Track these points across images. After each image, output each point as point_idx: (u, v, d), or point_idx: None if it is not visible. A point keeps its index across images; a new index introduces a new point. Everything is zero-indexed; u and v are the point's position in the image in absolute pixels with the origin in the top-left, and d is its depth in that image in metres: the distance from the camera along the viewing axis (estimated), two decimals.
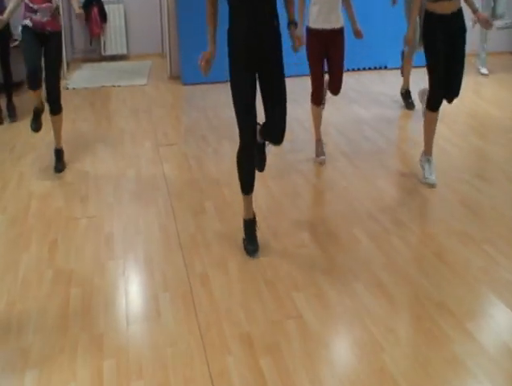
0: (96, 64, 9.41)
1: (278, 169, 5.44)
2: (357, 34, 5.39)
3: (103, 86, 8.30)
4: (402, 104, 7.05)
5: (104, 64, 9.47)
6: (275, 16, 3.85)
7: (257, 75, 3.87)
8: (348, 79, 8.12)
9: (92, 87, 8.25)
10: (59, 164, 5.55)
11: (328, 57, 5.32)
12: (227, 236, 4.32)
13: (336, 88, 5.47)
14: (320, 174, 5.49)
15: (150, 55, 9.75)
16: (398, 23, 6.43)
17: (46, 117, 5.52)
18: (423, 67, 5.00)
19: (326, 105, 5.71)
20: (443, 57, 4.77)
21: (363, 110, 7.02)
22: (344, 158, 5.67)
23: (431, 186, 5.02)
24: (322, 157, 5.58)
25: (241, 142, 3.92)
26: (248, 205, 4.18)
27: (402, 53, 6.96)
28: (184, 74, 8.21)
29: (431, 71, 4.85)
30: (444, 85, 4.84)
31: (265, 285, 3.73)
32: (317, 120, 5.62)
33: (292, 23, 4.00)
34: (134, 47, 9.83)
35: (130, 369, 3.07)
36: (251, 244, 4.13)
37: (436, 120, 5.02)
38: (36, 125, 5.51)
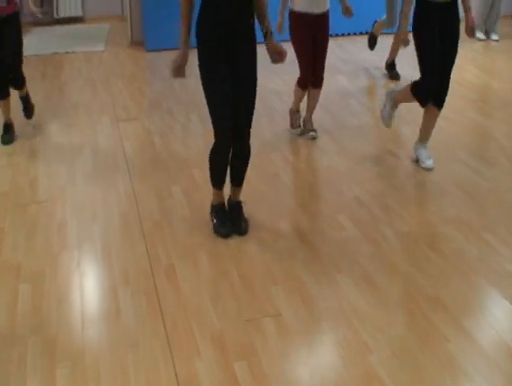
0: (47, 28, 9.29)
1: (253, 148, 5.36)
2: (347, 11, 5.47)
3: (55, 53, 8.20)
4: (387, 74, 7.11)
5: (56, 28, 9.36)
6: (252, 15, 3.87)
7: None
8: (331, 45, 8.09)
9: (43, 54, 8.14)
10: (8, 135, 5.57)
11: (312, 43, 5.37)
12: (196, 223, 4.30)
13: (319, 79, 5.53)
14: (300, 154, 5.47)
15: (108, 17, 9.66)
16: None
17: None
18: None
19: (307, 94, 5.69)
20: (437, 48, 4.76)
21: (349, 82, 7.02)
22: (327, 135, 5.66)
23: (429, 170, 5.03)
24: (298, 129, 5.65)
25: (216, 141, 3.98)
26: (218, 194, 4.25)
27: (375, 22, 7.06)
28: (148, 39, 8.13)
29: (422, 62, 4.82)
30: (436, 79, 4.82)
31: (239, 278, 3.72)
32: (299, 99, 5.70)
33: (269, 34, 3.96)
34: (90, 9, 9.74)
35: (86, 375, 3.04)
36: (222, 227, 4.17)
37: (427, 112, 5.00)
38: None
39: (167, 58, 7.61)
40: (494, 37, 8.55)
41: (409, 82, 5.01)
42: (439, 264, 3.85)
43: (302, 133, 5.66)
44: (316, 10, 5.29)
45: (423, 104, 4.94)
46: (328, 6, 5.36)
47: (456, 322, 3.34)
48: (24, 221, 4.36)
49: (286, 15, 5.38)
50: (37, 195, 4.70)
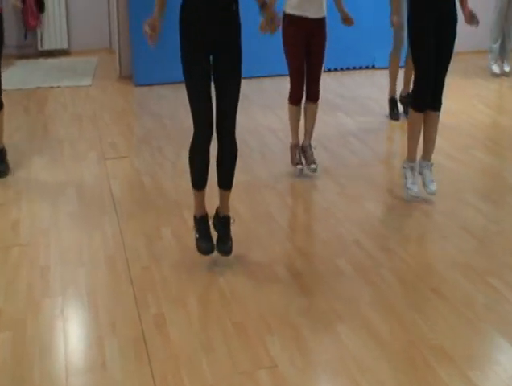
0: (31, 61, 9.35)
1: (247, 187, 5.44)
2: (347, 20, 5.47)
3: (39, 87, 8.24)
4: (387, 112, 7.12)
5: (41, 61, 9.42)
6: (235, 1, 4.00)
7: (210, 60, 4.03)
8: (330, 81, 8.28)
9: (26, 88, 8.18)
10: (2, 166, 5.62)
11: (307, 52, 5.38)
12: (187, 267, 4.30)
13: (314, 92, 5.53)
14: (297, 194, 5.50)
15: (95, 50, 9.72)
16: (386, 15, 6.55)
17: None
18: None
19: (303, 113, 5.73)
20: (432, 48, 4.84)
21: (348, 118, 7.08)
22: (326, 175, 5.69)
23: (414, 198, 5.07)
24: (300, 166, 5.64)
25: (195, 134, 4.08)
26: (200, 202, 4.30)
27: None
28: (137, 73, 8.20)
29: (418, 62, 4.93)
30: (432, 81, 4.91)
31: (232, 327, 3.71)
32: (295, 122, 5.66)
33: (264, 4, 4.06)
34: (76, 41, 9.80)
35: None
36: (204, 241, 4.24)
37: (421, 122, 5.07)
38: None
39: (157, 93, 7.79)
40: (507, 68, 8.41)
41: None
42: (444, 310, 3.85)
43: (301, 173, 5.65)
44: (311, 14, 5.29)
45: (420, 108, 4.98)
46: (324, 12, 5.36)
47: (461, 373, 3.33)
48: (5, 265, 4.35)
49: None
50: (19, 238, 4.70)
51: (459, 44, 4.98)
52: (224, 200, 4.36)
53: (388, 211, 5.14)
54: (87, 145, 6.37)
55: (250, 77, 7.97)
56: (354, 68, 8.79)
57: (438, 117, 5.08)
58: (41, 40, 9.63)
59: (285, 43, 5.40)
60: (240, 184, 5.37)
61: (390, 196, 5.34)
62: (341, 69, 8.70)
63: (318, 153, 5.88)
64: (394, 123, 6.95)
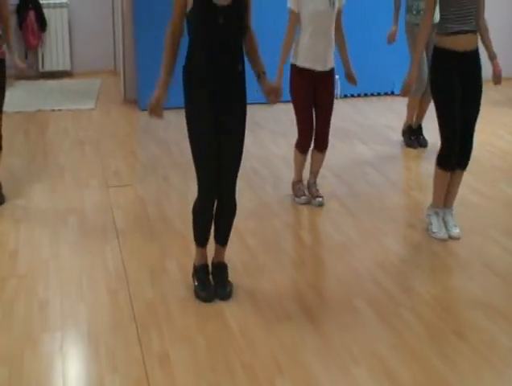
0: (31, 83, 9.43)
1: (257, 219, 5.46)
2: (351, 79, 5.65)
3: (40, 110, 8.32)
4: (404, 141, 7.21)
5: (41, 83, 9.50)
6: (241, 59, 4.11)
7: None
8: (346, 107, 8.33)
9: (26, 111, 8.26)
10: None
11: (315, 103, 5.54)
12: (194, 303, 4.31)
13: (323, 141, 5.68)
14: (310, 226, 5.52)
15: (99, 72, 9.80)
16: (405, 41, 6.68)
17: None
18: None
19: (310, 157, 5.80)
20: (459, 105, 4.86)
21: (365, 147, 7.11)
22: (341, 206, 5.71)
23: (442, 240, 5.09)
24: (304, 196, 5.72)
25: (199, 198, 4.22)
26: (201, 253, 4.44)
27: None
28: (142, 97, 8.23)
29: (444, 121, 4.94)
30: (459, 138, 4.93)
31: (241, 368, 3.70)
32: (300, 165, 5.83)
33: (261, 74, 4.20)
34: (79, 62, 9.89)
35: None
36: (204, 289, 4.34)
37: (448, 179, 5.10)
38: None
39: (164, 118, 7.81)
40: None
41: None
42: (468, 356, 3.83)
43: (308, 202, 5.72)
44: (319, 67, 5.43)
45: (446, 168, 5.01)
46: (333, 63, 5.51)
47: None
48: (2, 297, 4.36)
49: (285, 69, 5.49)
50: (17, 269, 4.72)
51: (484, 71, 5.00)
52: (220, 253, 4.51)
53: (408, 247, 5.14)
54: (89, 172, 6.41)
55: (262, 103, 8.03)
56: (372, 95, 8.85)
57: (462, 174, 5.15)
58: (42, 60, 9.72)
59: (293, 94, 5.56)
60: (249, 215, 5.42)
61: (411, 230, 5.34)
62: (359, 95, 8.75)
63: (332, 184, 5.92)
64: (412, 152, 7.02)
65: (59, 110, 8.32)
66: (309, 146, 5.68)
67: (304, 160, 5.77)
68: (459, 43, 4.83)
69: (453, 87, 4.87)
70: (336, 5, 5.39)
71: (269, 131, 7.57)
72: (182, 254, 4.88)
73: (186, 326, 4.08)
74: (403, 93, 5.16)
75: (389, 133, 7.49)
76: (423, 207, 5.46)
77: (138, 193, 5.97)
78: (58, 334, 3.99)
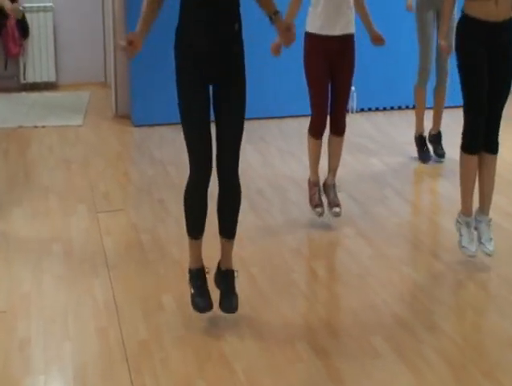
0: (12, 96, 9.48)
1: (262, 245, 5.46)
2: (377, 39, 5.60)
3: (21, 126, 8.34)
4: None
5: (23, 96, 9.54)
6: (237, 18, 4.14)
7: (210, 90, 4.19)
8: (362, 122, 8.35)
9: (6, 127, 8.28)
10: None
11: (332, 77, 5.48)
12: (193, 343, 4.29)
13: (339, 124, 5.61)
14: (322, 254, 5.51)
15: (88, 84, 9.85)
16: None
17: None
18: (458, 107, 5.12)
19: (327, 149, 5.80)
20: (485, 77, 4.87)
21: (383, 166, 7.12)
22: (356, 232, 5.71)
23: (471, 256, 5.07)
24: (319, 209, 5.70)
25: (191, 174, 4.24)
26: (196, 252, 4.43)
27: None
28: (135, 112, 8.29)
29: (467, 94, 4.94)
30: (485, 117, 4.92)
31: None
32: (315, 157, 5.73)
33: (275, 14, 4.19)
34: (65, 73, 9.93)
35: None
36: (201, 297, 4.35)
37: (475, 167, 5.06)
38: None
39: (159, 135, 7.86)
40: None
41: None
42: None
43: (322, 214, 5.71)
44: (336, 31, 5.39)
45: (472, 150, 4.98)
46: (352, 28, 5.46)
47: None
48: None
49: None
50: None
51: None
52: (226, 251, 4.46)
53: (432, 279, 5.12)
54: (76, 196, 6.42)
55: (268, 117, 8.08)
56: (392, 108, 8.89)
57: (495, 161, 5.07)
58: (24, 71, 9.75)
59: (306, 66, 5.51)
60: (254, 241, 5.43)
61: (435, 260, 5.33)
62: (376, 109, 8.78)
63: (346, 206, 5.92)
64: (434, 170, 7.05)
65: (43, 126, 8.34)
66: (323, 129, 5.59)
67: (319, 149, 5.68)
68: (489, 11, 4.80)
69: (479, 57, 4.87)
70: None
71: (276, 148, 7.59)
72: (179, 287, 4.86)
73: (184, 369, 4.06)
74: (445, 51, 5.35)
75: (409, 150, 7.48)
76: (448, 234, 5.45)
77: (131, 219, 5.98)
78: (41, 377, 3.99)
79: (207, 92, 4.18)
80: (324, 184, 5.81)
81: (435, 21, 6.86)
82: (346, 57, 5.49)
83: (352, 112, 8.32)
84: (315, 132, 5.60)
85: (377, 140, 7.88)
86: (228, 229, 4.42)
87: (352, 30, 5.46)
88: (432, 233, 5.89)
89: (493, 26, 4.83)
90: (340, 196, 5.94)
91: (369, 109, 8.71)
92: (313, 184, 5.79)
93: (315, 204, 5.73)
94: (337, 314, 4.74)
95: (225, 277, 4.45)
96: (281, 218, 5.97)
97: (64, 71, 9.91)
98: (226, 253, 4.47)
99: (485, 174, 5.09)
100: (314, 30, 5.42)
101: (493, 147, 5.03)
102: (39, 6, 9.75)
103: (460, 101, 5.01)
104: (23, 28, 9.62)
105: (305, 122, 5.58)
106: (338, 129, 5.63)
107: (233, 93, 4.19)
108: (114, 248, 5.47)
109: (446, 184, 6.70)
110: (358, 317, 4.61)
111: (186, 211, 4.38)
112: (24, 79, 9.76)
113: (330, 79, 5.50)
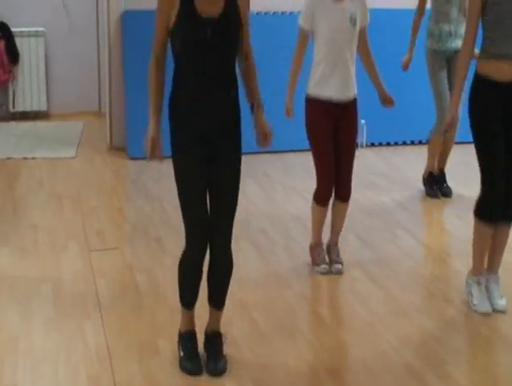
0: (1, 125, 9.53)
1: (266, 290, 5.46)
2: (387, 101, 5.66)
3: (10, 158, 8.39)
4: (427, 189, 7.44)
5: (12, 125, 9.59)
6: (233, 84, 4.21)
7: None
8: (373, 157, 8.40)
9: None
10: None
11: (335, 141, 5.54)
12: None
13: (345, 189, 5.66)
14: (329, 300, 5.51)
15: (81, 113, 9.91)
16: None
17: None
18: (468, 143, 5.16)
19: (330, 211, 5.84)
20: (501, 144, 4.90)
21: (394, 204, 7.15)
22: (366, 275, 5.71)
23: (485, 315, 5.09)
24: (324, 265, 5.70)
25: (187, 246, 4.31)
26: (187, 317, 4.51)
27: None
28: (131, 144, 8.32)
29: (484, 162, 4.96)
30: (504, 183, 4.94)
31: None
32: (319, 224, 5.78)
33: (256, 106, 4.31)
34: (57, 102, 9.99)
35: None
36: (191, 361, 4.39)
37: (490, 235, 5.10)
38: None
39: (156, 169, 7.89)
40: None
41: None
42: None
43: (328, 271, 5.71)
44: (338, 96, 5.44)
45: (488, 218, 5.00)
46: (355, 91, 5.52)
47: None
48: None
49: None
50: None
51: None
52: (214, 319, 4.55)
53: (447, 327, 5.11)
54: (67, 233, 6.44)
55: (272, 152, 8.12)
56: (405, 143, 8.94)
57: (510, 228, 5.13)
58: (13, 99, 9.81)
59: (309, 130, 5.56)
60: (257, 284, 5.44)
61: (449, 306, 5.33)
62: (387, 144, 8.83)
63: (354, 247, 5.94)
64: (448, 209, 7.12)
65: (33, 158, 8.39)
66: (329, 196, 5.63)
67: (324, 216, 5.74)
68: (503, 72, 4.84)
69: (494, 121, 4.89)
70: (358, 23, 5.43)
71: (280, 184, 7.63)
72: (176, 331, 4.86)
73: None
74: (443, 132, 5.42)
75: (420, 186, 7.53)
76: (462, 278, 5.46)
77: (126, 258, 5.99)
78: None
79: (203, 165, 4.20)
80: (327, 246, 5.85)
81: (447, 73, 7.02)
82: (351, 121, 5.56)
83: (361, 147, 8.39)
84: (321, 200, 5.63)
85: (387, 176, 7.92)
86: (217, 300, 4.50)
87: (354, 93, 5.51)
88: (445, 276, 5.89)
89: (506, 85, 4.86)
90: (348, 236, 5.94)
91: (380, 144, 8.78)
92: (315, 245, 5.81)
93: (320, 262, 5.74)
94: (344, 361, 4.73)
95: (213, 341, 4.51)
96: (285, 259, 5.98)
97: (56, 100, 9.96)
98: (215, 320, 4.55)
99: (500, 240, 5.17)
100: (314, 92, 5.48)
101: (510, 215, 5.08)
102: (29, 31, 9.83)
103: (467, 138, 5.05)
104: (13, 53, 9.68)
105: (309, 157, 5.60)
106: (343, 195, 5.67)
107: (228, 160, 4.25)
108: (108, 289, 5.47)
109: (457, 223, 6.74)
110: (367, 366, 4.60)
111: (180, 282, 4.47)
112: (13, 107, 9.81)
113: (334, 143, 5.53)
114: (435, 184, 7.38)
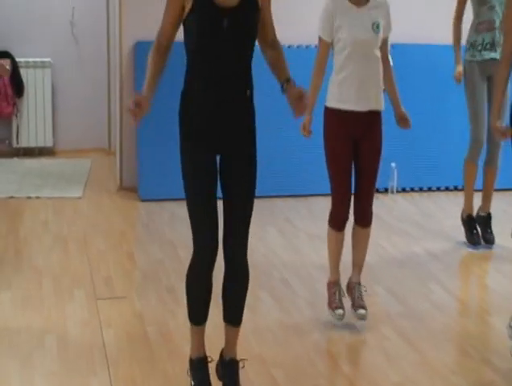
0: (3, 161, 9.58)
1: (287, 345, 5.43)
2: (402, 121, 5.61)
3: (12, 197, 8.43)
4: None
5: (16, 162, 9.64)
6: (249, 83, 4.26)
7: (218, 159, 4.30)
8: (405, 205, 8.39)
9: None
10: None
11: (356, 158, 5.51)
12: None
13: (365, 213, 5.61)
14: (355, 358, 5.48)
15: (89, 150, 9.95)
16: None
17: None
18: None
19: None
20: None
21: (427, 255, 7.13)
22: (396, 333, 5.68)
23: None
24: (340, 311, 5.65)
25: (194, 255, 4.32)
26: (199, 340, 4.49)
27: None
28: (143, 184, 8.35)
29: None
30: None
31: None
32: (335, 252, 5.72)
33: (287, 81, 4.28)
34: (64, 138, 10.05)
35: None
36: None
37: None
38: None
39: (169, 212, 7.91)
40: None
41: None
42: None
43: (343, 317, 5.67)
44: (363, 106, 5.41)
45: None
46: (381, 103, 5.48)
47: None
48: None
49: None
50: None
51: None
52: (231, 339, 4.51)
53: None
54: (73, 279, 6.45)
55: (295, 195, 8.12)
56: (439, 189, 8.98)
57: None
58: (17, 134, 9.85)
59: (326, 146, 5.52)
60: (277, 339, 5.44)
61: (486, 367, 5.28)
62: (420, 189, 8.85)
63: (384, 301, 5.91)
64: (486, 259, 7.10)
65: (37, 198, 8.44)
66: (346, 219, 5.57)
67: (341, 243, 5.66)
68: None
69: None
70: (381, 32, 5.43)
71: (304, 231, 7.62)
72: None
73: None
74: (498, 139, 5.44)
75: (456, 236, 7.51)
76: (501, 336, 5.44)
77: (136, 308, 5.98)
78: None
79: (214, 163, 4.27)
80: (348, 283, 5.80)
81: (486, 88, 6.98)
82: (372, 136, 5.50)
83: (391, 193, 8.39)
84: (336, 223, 5.58)
85: (421, 224, 7.90)
86: (233, 315, 4.48)
87: (380, 105, 5.48)
88: (483, 336, 5.85)
89: None
90: (377, 289, 5.93)
91: (412, 189, 8.78)
92: (333, 284, 5.74)
93: (335, 306, 5.67)
94: None
95: (229, 369, 4.49)
96: (308, 312, 5.96)
97: (63, 136, 10.01)
98: (231, 341, 4.52)
99: None
100: (333, 103, 5.45)
101: None
102: (35, 62, 9.91)
103: (509, 184, 5.05)
104: (17, 85, 9.74)
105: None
106: (363, 220, 5.62)
107: (242, 166, 4.29)
108: (116, 341, 5.47)
109: (497, 277, 6.72)
110: None
111: (188, 294, 4.46)
112: (17, 143, 9.86)
113: (353, 160, 5.51)
114: (475, 228, 7.32)
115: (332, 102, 5.45)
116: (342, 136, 5.44)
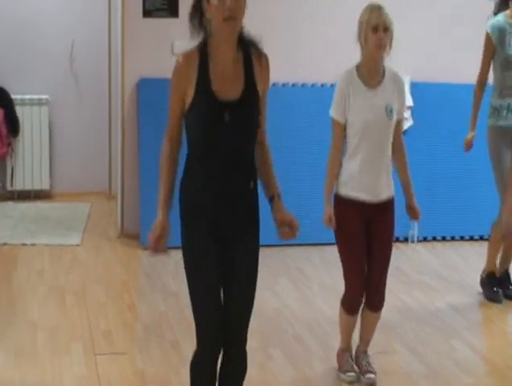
0: None
1: None
2: (412, 212, 5.64)
3: (6, 244, 8.44)
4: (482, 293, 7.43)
5: (10, 206, 9.66)
6: (252, 175, 4.28)
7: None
8: (426, 255, 8.37)
9: None
10: None
11: (368, 244, 5.56)
12: None
13: (377, 298, 5.66)
14: None
15: (88, 194, 9.96)
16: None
17: None
18: None
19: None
20: None
21: (450, 309, 7.11)
22: None
23: None
24: (351, 373, 5.67)
25: (199, 349, 4.32)
26: None
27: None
28: (145, 230, 8.27)
29: None
30: None
31: None
32: (347, 331, 5.80)
33: (275, 196, 4.32)
34: (62, 181, 10.06)
35: None
36: None
37: None
38: None
39: (174, 260, 7.90)
40: None
41: None
42: None
43: (356, 380, 5.67)
44: (371, 196, 5.46)
45: None
46: (390, 192, 5.53)
47: None
48: None
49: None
50: None
51: None
52: None
53: None
54: (70, 334, 6.43)
55: (308, 244, 8.13)
56: (462, 239, 8.99)
57: None
58: (12, 176, 9.85)
59: (337, 233, 5.56)
60: None
61: None
62: (443, 239, 8.85)
63: (405, 360, 5.89)
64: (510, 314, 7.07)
65: (33, 245, 8.44)
66: (359, 305, 5.65)
67: (353, 325, 5.76)
68: None
69: None
70: (395, 115, 5.46)
71: (317, 283, 7.61)
72: None
73: None
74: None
75: (479, 289, 7.49)
76: None
77: (137, 365, 5.95)
78: None
79: (216, 253, 4.24)
80: (355, 352, 5.85)
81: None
82: (385, 222, 5.58)
83: (412, 242, 8.40)
84: (349, 308, 5.67)
85: (442, 276, 7.88)
86: None
87: (390, 192, 5.54)
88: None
89: None
90: (396, 346, 5.91)
91: (434, 239, 8.77)
92: (343, 351, 5.83)
93: (346, 370, 5.72)
94: None
95: None
96: (322, 371, 5.92)
97: (60, 178, 10.02)
98: None
99: None
100: (343, 191, 5.50)
101: None
102: (32, 99, 9.95)
103: None
104: (13, 124, 9.76)
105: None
106: (374, 305, 5.68)
107: (245, 260, 4.28)
108: None
109: None
110: None
111: (191, 381, 4.44)
112: (11, 185, 9.88)
113: (366, 246, 5.56)
114: (497, 286, 7.36)
115: (343, 189, 5.51)
116: (354, 225, 5.49)
